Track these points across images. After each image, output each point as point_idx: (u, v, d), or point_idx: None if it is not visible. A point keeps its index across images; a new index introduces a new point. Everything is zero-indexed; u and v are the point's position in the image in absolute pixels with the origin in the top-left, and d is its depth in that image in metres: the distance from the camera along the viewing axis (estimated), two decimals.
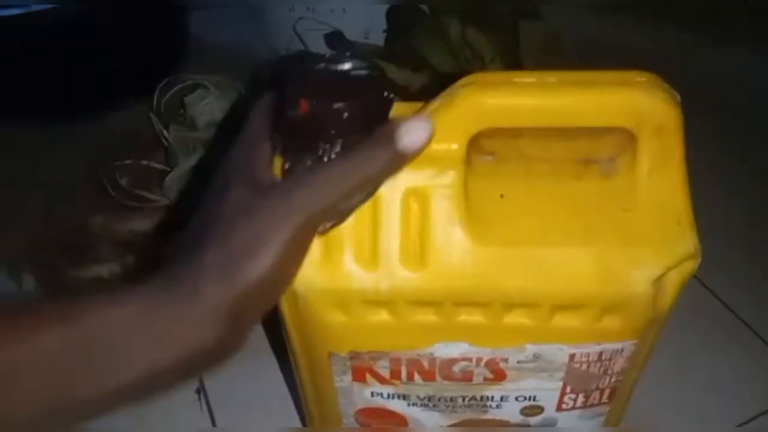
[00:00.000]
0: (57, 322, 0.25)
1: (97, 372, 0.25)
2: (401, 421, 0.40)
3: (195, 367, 0.27)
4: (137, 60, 0.76)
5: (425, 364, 0.35)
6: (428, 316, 0.33)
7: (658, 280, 0.32)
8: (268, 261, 0.26)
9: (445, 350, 0.34)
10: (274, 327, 0.60)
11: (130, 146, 0.69)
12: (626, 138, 0.32)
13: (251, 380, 0.58)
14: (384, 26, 0.81)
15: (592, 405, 0.38)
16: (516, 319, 0.33)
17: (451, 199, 0.32)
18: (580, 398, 0.37)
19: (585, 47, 0.80)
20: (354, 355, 0.35)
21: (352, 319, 0.34)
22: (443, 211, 0.32)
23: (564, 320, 0.33)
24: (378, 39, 0.81)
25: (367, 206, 0.32)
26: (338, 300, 0.33)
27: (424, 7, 0.77)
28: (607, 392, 0.37)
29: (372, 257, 0.32)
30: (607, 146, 0.34)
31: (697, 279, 0.34)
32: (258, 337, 0.60)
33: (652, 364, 0.38)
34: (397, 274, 0.32)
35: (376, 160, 0.28)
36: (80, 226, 0.63)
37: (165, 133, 0.66)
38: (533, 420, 0.39)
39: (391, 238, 0.32)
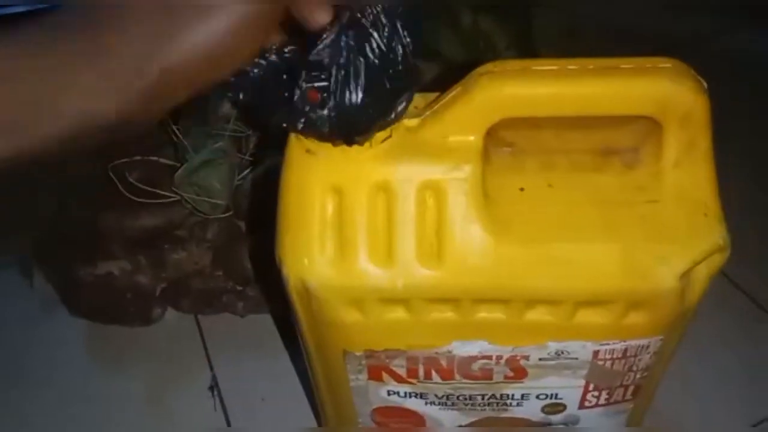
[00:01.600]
0: None
1: None
2: (419, 419, 0.39)
3: (88, 140, 0.22)
4: None
5: (443, 362, 0.34)
6: (446, 314, 0.32)
7: (686, 275, 0.31)
8: (222, 24, 0.22)
9: (464, 348, 0.34)
10: (288, 324, 0.60)
11: (139, 142, 0.68)
12: (649, 127, 0.31)
13: (265, 378, 0.57)
14: None
15: (615, 402, 0.37)
16: (538, 316, 0.32)
17: (468, 193, 0.31)
18: (604, 395, 0.36)
19: (600, 33, 0.78)
20: (369, 354, 0.35)
21: (368, 317, 0.33)
22: (460, 206, 0.31)
23: (588, 317, 0.32)
24: None
25: (381, 201, 0.31)
26: (353, 298, 0.32)
27: None
28: (631, 389, 0.36)
29: (387, 254, 0.31)
30: (629, 136, 0.33)
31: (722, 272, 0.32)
32: (271, 335, 0.60)
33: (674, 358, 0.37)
34: (413, 271, 0.31)
35: None
36: (90, 223, 0.62)
37: (174, 128, 0.66)
38: (555, 418, 0.38)
39: (407, 235, 0.31)
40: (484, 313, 0.32)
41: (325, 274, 0.32)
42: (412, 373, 0.35)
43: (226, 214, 0.62)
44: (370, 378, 0.36)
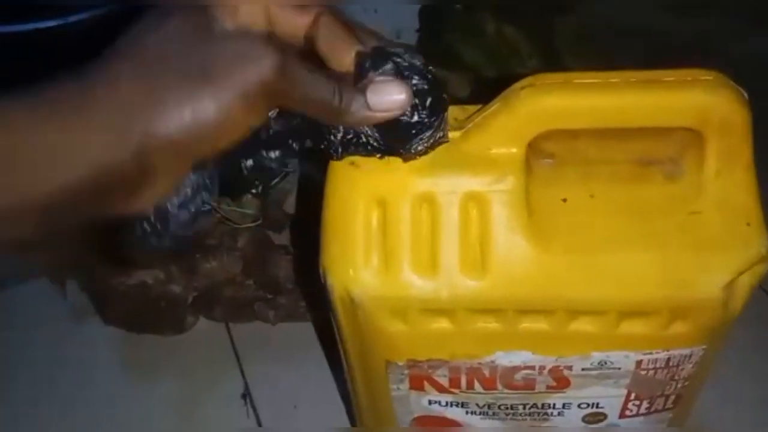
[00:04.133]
0: None
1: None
2: (459, 429, 0.39)
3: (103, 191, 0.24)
4: None
5: (486, 372, 0.35)
6: (490, 324, 0.33)
7: (729, 285, 0.31)
8: (213, 106, 0.23)
9: (507, 358, 0.34)
10: (319, 332, 0.60)
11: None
12: (689, 138, 0.31)
13: (297, 385, 0.58)
14: (416, 26, 0.80)
15: (656, 411, 0.37)
16: (581, 326, 0.32)
17: (511, 204, 0.31)
18: (645, 404, 0.37)
19: (624, 39, 0.79)
20: (412, 364, 0.35)
21: (411, 327, 0.33)
22: (504, 217, 0.31)
23: (631, 327, 0.32)
24: (410, 39, 0.80)
25: (425, 213, 0.32)
26: (397, 308, 0.33)
27: (458, 6, 0.76)
28: (672, 398, 0.36)
29: (431, 265, 0.32)
30: (669, 147, 0.33)
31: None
32: (302, 343, 0.60)
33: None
34: (457, 281, 0.32)
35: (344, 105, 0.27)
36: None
37: None
38: (595, 427, 0.38)
39: (451, 246, 0.32)
40: (527, 324, 0.32)
41: (370, 284, 0.32)
42: (455, 383, 0.36)
43: (256, 223, 0.63)
44: (412, 387, 0.37)
